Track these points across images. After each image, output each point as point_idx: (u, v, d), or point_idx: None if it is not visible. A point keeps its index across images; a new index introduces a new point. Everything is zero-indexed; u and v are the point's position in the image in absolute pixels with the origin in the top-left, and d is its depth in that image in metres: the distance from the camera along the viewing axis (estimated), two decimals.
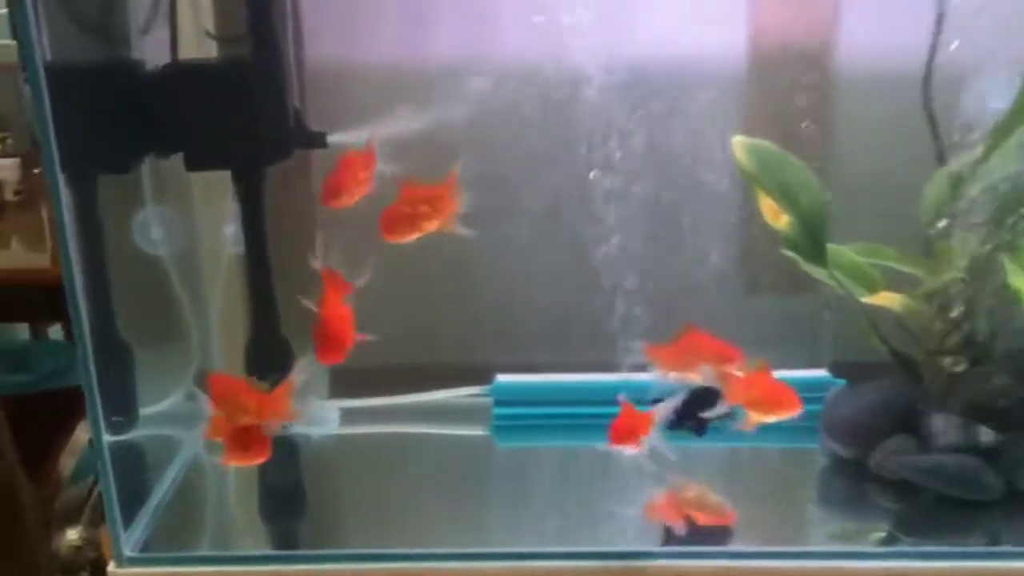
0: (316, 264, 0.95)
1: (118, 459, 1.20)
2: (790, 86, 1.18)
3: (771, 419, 0.93)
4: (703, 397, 0.93)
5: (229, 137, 1.12)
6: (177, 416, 1.25)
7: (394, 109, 1.09)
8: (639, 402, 0.96)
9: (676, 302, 1.16)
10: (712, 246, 1.19)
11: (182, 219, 1.22)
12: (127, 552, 1.02)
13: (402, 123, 1.09)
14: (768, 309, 1.30)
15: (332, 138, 1.15)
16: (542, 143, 1.19)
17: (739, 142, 1.11)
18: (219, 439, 0.98)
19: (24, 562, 1.64)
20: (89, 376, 0.96)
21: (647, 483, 1.07)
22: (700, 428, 0.96)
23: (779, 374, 0.94)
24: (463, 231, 0.97)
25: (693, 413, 0.94)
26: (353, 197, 0.96)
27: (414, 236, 0.95)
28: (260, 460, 0.99)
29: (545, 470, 1.20)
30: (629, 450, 0.94)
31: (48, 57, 0.89)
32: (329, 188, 0.94)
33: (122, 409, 1.19)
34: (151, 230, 1.20)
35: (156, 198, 1.20)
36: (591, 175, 1.16)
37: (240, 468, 1.14)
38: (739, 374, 0.91)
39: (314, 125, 1.17)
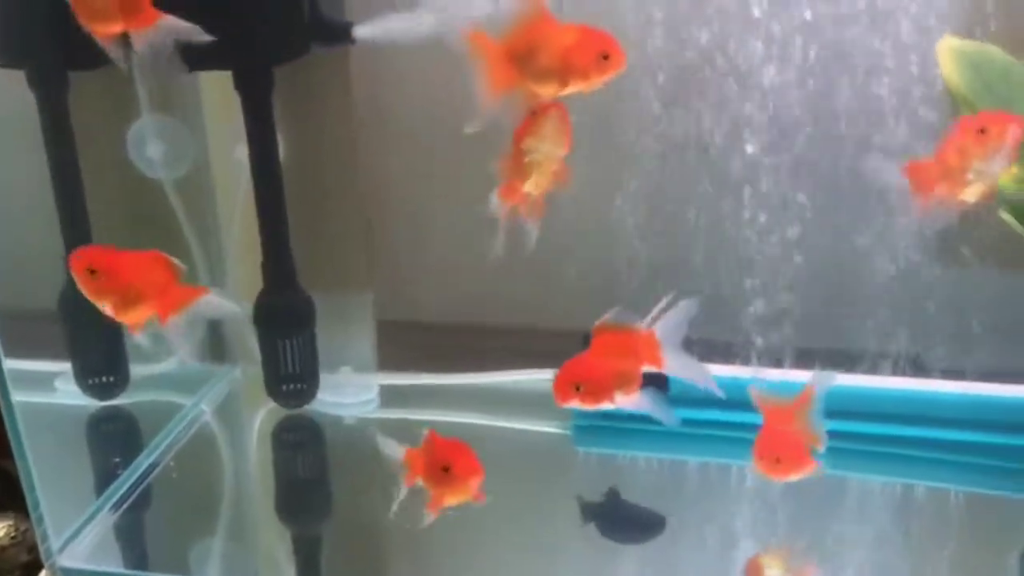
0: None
1: (94, 430, 0.99)
2: None
3: None
4: None
5: (228, 27, 0.83)
6: (175, 380, 1.01)
7: None
8: None
9: None
10: None
11: (188, 135, 0.96)
12: (64, 562, 0.79)
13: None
14: None
15: (361, 31, 0.85)
16: None
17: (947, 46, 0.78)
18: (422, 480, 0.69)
19: None
20: None
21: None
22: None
23: None
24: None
25: None
26: None
27: None
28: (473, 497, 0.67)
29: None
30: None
31: None
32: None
33: (99, 368, 0.96)
34: (147, 146, 0.95)
35: (156, 108, 0.95)
36: None
37: (239, 439, 0.90)
38: None
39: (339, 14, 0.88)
